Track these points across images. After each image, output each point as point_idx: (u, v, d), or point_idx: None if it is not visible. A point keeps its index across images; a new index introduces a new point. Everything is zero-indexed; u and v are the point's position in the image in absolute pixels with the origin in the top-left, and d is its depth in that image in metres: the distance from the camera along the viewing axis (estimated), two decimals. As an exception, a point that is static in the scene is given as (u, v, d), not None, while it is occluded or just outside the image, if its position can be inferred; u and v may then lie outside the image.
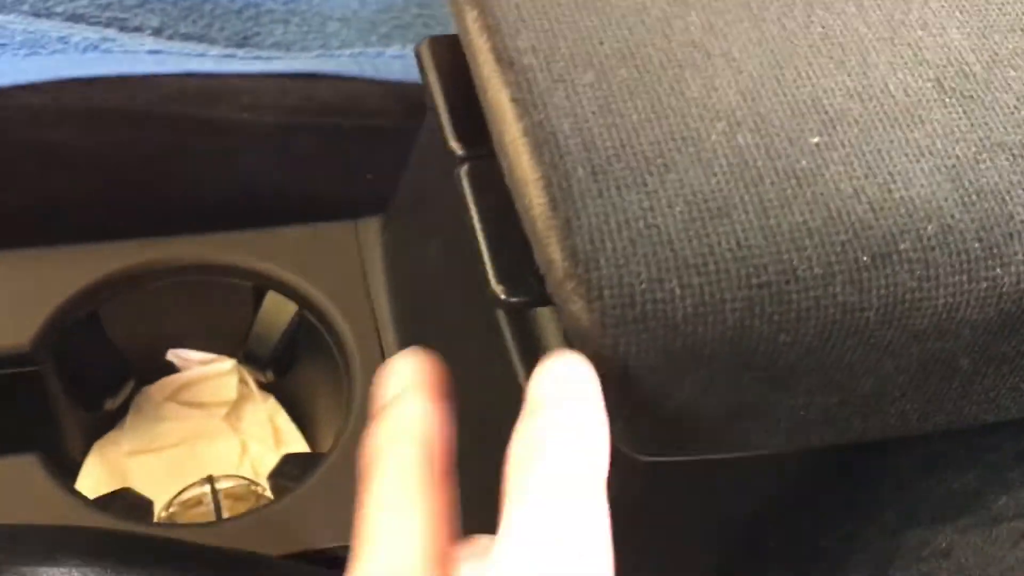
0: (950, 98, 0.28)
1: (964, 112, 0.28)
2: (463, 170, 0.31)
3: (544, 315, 0.34)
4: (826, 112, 0.27)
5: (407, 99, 0.52)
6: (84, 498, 0.40)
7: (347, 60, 0.53)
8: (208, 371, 0.51)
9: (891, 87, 0.28)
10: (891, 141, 0.27)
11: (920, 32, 0.29)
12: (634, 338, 0.24)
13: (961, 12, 0.30)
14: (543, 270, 0.25)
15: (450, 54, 0.34)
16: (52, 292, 0.43)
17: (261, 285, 0.47)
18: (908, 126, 0.27)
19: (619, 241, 0.24)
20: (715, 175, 0.25)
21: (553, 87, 0.26)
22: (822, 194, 0.26)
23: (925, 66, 0.29)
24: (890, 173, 0.26)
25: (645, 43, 0.28)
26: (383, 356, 0.45)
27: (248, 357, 0.49)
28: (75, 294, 0.43)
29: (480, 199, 0.30)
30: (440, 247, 0.42)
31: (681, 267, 0.24)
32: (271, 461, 0.51)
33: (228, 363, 0.51)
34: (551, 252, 0.24)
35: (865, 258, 0.25)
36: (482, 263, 0.29)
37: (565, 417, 0.23)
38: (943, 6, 0.30)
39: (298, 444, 0.51)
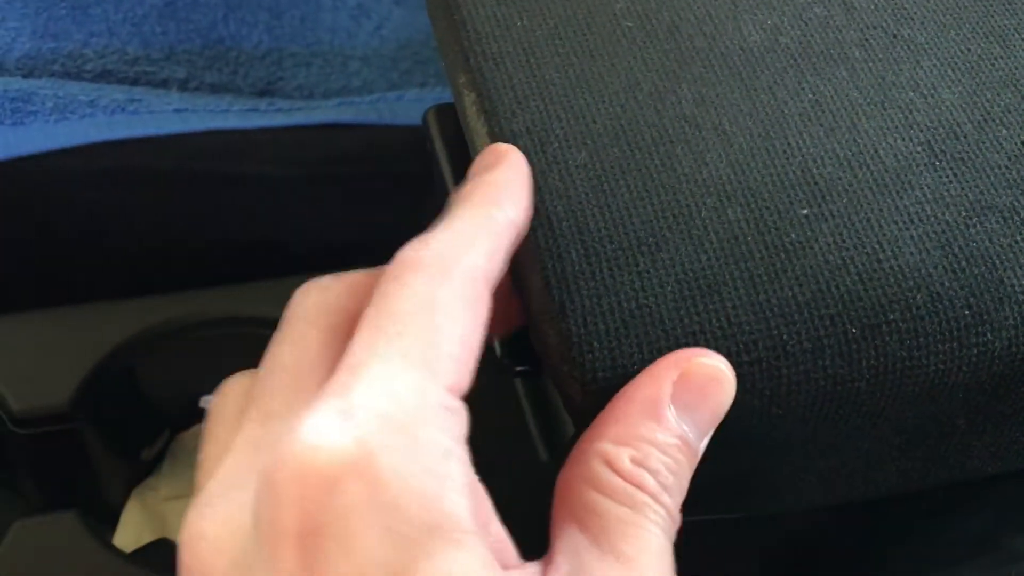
0: (940, 161, 0.28)
1: (954, 175, 0.28)
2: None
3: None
4: (816, 182, 0.28)
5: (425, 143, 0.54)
6: (122, 553, 0.41)
7: (366, 107, 0.54)
8: (240, 416, 0.52)
9: (881, 153, 0.28)
10: (880, 209, 0.27)
11: (911, 94, 0.30)
12: (628, 417, 0.25)
13: (953, 70, 0.31)
14: (539, 351, 0.26)
15: (456, 122, 0.35)
16: (87, 350, 0.45)
17: (288, 333, 0.49)
18: (898, 193, 0.28)
19: (612, 323, 0.25)
20: (706, 252, 0.26)
21: (548, 169, 0.27)
22: (811, 267, 0.26)
23: (916, 129, 0.29)
24: (879, 242, 0.27)
25: (637, 119, 0.28)
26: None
27: (278, 403, 0.51)
28: (110, 351, 0.45)
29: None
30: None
31: (672, 347, 0.25)
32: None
33: (259, 408, 0.52)
34: (546, 334, 0.25)
35: (854, 330, 0.26)
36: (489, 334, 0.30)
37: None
38: (935, 65, 0.31)
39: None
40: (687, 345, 0.25)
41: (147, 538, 0.47)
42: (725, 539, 0.32)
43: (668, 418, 0.23)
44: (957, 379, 0.26)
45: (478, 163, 0.27)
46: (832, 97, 0.29)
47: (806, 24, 0.31)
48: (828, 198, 0.27)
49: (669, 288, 0.25)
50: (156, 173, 0.48)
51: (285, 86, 0.60)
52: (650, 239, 0.26)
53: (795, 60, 0.30)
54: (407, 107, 0.56)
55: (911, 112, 0.29)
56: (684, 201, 0.27)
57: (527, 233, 0.26)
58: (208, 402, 0.53)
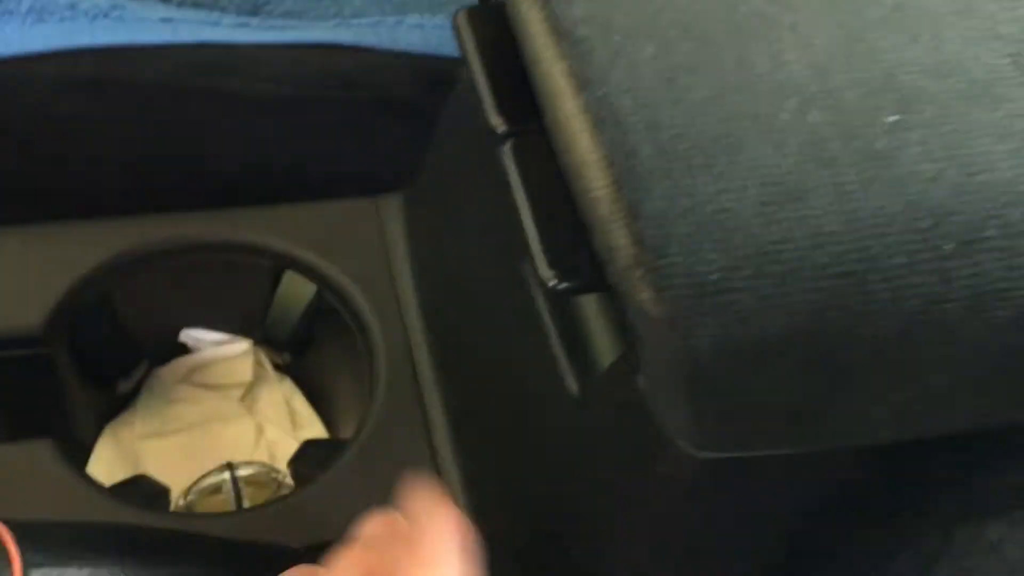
0: (1029, 75, 0.26)
1: (1045, 90, 0.26)
2: (506, 148, 0.29)
3: (587, 301, 0.33)
4: (901, 90, 0.25)
5: (427, 72, 0.50)
6: (100, 486, 0.38)
7: (365, 29, 0.51)
8: (223, 352, 0.49)
9: (967, 63, 0.26)
10: (970, 121, 0.25)
11: (992, 5, 0.28)
12: (705, 330, 0.22)
13: (1036, -16, 0.28)
14: (605, 257, 0.23)
15: (489, 25, 0.32)
16: (63, 271, 0.41)
17: (279, 264, 0.46)
18: (987, 106, 0.25)
19: (689, 226, 0.22)
20: (788, 156, 0.24)
21: (612, 61, 0.24)
22: (902, 177, 0.24)
23: (1000, 41, 0.27)
24: (971, 156, 0.24)
25: (707, 14, 0.26)
26: (406, 337, 0.44)
27: (265, 338, 0.48)
28: (87, 274, 0.42)
29: (526, 178, 0.29)
30: (472, 225, 0.40)
31: (756, 255, 0.22)
32: (288, 445, 0.49)
33: (243, 344, 0.49)
34: (615, 238, 0.23)
35: (949, 246, 0.23)
36: (530, 247, 0.27)
37: None
38: (1016, -23, 0.28)
39: (315, 428, 0.50)
40: (770, 253, 0.23)
41: (120, 475, 0.44)
42: (779, 476, 0.30)
43: None
44: (1048, 306, 0.24)
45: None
46: (913, 3, 0.27)
47: (881, -72, 0.29)
48: (915, 107, 0.25)
49: (751, 192, 0.23)
50: (139, 86, 0.44)
51: (274, 9, 0.56)
52: (728, 139, 0.24)
53: (873, -38, 0.28)
54: (408, 33, 0.52)
55: (994, 24, 0.27)
56: (762, 102, 0.24)
57: (585, 127, 0.24)
58: (189, 336, 0.50)
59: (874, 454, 0.31)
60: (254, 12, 0.54)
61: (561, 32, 0.25)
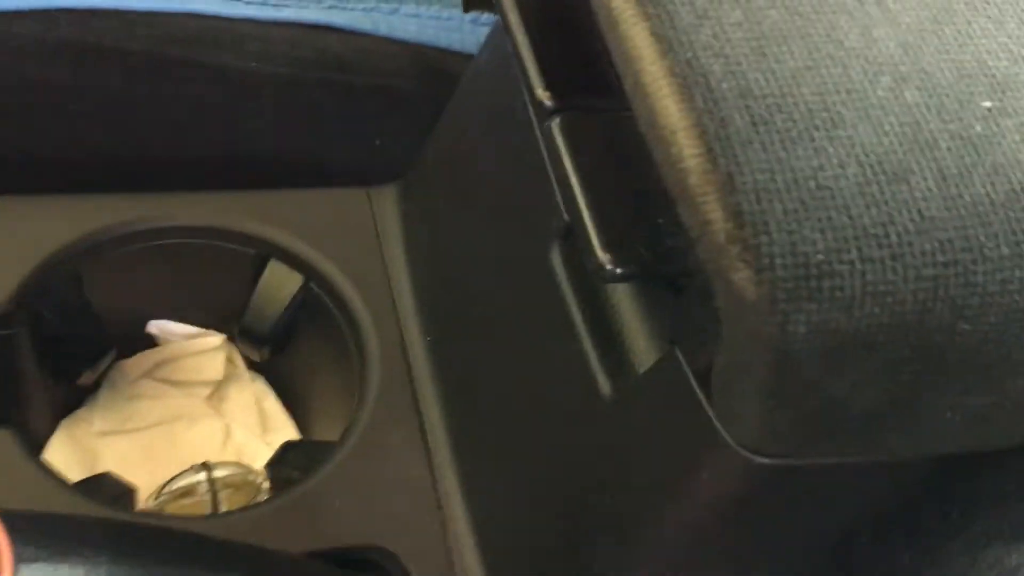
0: (1116, 70, 0.25)
1: None
2: (555, 123, 0.27)
3: (624, 294, 0.30)
4: (993, 75, 0.24)
5: (423, 62, 0.48)
6: (65, 482, 0.35)
7: (360, 15, 0.48)
8: (193, 346, 0.46)
9: (1056, 53, 0.25)
10: (1066, 112, 0.24)
11: (1075, -3, 0.26)
12: (805, 317, 0.20)
13: (1112, -19, 0.27)
14: (695, 233, 0.21)
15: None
16: (31, 248, 0.38)
17: (263, 252, 0.43)
18: (1080, 97, 0.24)
19: (789, 202, 0.21)
20: (887, 135, 0.22)
21: (698, 24, 0.23)
22: (1002, 164, 0.22)
23: (1086, 34, 0.26)
24: (1068, 147, 0.23)
25: (792, -16, 0.24)
26: (401, 334, 0.41)
27: (244, 332, 0.45)
28: (56, 252, 0.38)
29: (577, 156, 0.26)
30: (481, 217, 0.38)
31: (860, 236, 0.21)
32: (257, 448, 0.46)
33: (217, 338, 0.46)
34: (710, 211, 0.21)
35: (1054, 238, 0.22)
36: (583, 229, 0.25)
37: None
38: (1092, -27, 0.27)
39: (286, 430, 0.47)
40: (875, 236, 0.21)
41: (75, 474, 0.40)
42: (833, 488, 0.28)
43: None
44: None
45: None
46: (997, -11, 0.26)
47: (956, -88, 0.27)
48: (1009, 93, 0.24)
49: (851, 170, 0.21)
50: (122, 54, 0.41)
51: (257, -9, 0.53)
52: (824, 114, 0.22)
53: (952, -54, 0.26)
54: (403, 21, 0.50)
55: (1078, 16, 0.26)
56: (856, 77, 0.23)
57: (672, 92, 0.22)
58: (159, 328, 0.46)
59: (926, 470, 0.30)
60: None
61: (643, -11, 0.23)
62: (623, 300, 0.29)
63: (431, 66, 0.49)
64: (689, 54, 0.22)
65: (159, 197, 0.41)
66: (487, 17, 0.54)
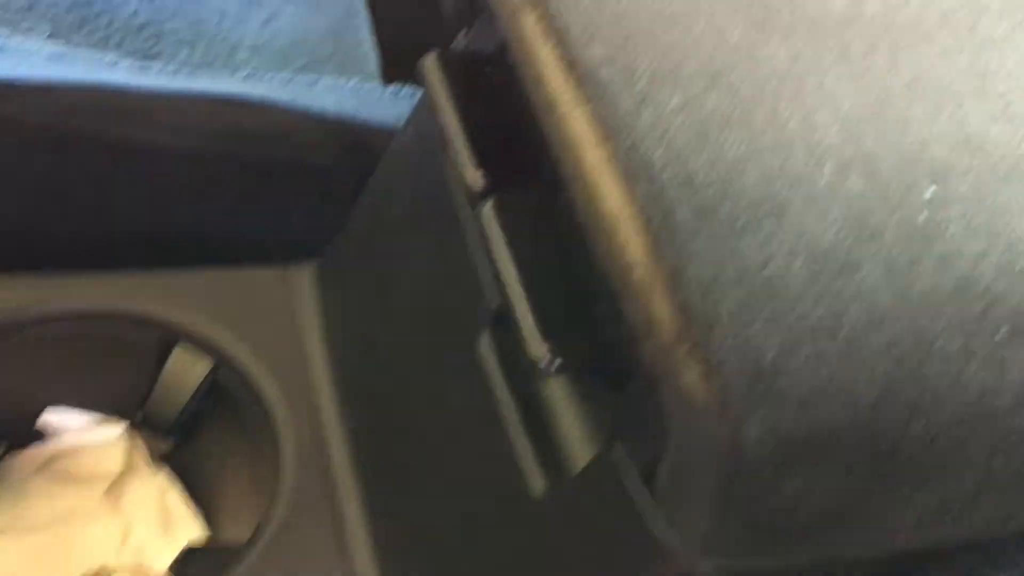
0: (1050, 158, 0.25)
1: (1068, 175, 0.25)
2: (487, 206, 0.26)
3: (554, 382, 0.29)
4: (934, 161, 0.23)
5: (342, 137, 0.47)
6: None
7: (277, 86, 0.47)
8: (91, 438, 0.43)
9: (992, 141, 0.25)
10: (1007, 200, 0.23)
11: (1005, 86, 0.26)
12: (758, 419, 0.19)
13: (1038, 68, 0.27)
14: (640, 330, 0.20)
15: (458, 70, 0.29)
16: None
17: (168, 337, 0.40)
18: (1019, 183, 0.24)
19: (738, 297, 0.19)
20: (833, 224, 0.21)
21: (638, 108, 0.22)
22: (948, 254, 0.22)
23: (1018, 121, 0.26)
24: (1011, 237, 0.23)
25: (731, 67, 0.23)
26: (318, 425, 0.38)
27: (147, 421, 0.42)
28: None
29: (511, 241, 0.25)
30: (406, 301, 0.36)
31: (813, 332, 0.20)
32: (159, 549, 0.43)
33: (117, 428, 0.43)
34: (655, 308, 0.19)
35: (1002, 332, 0.21)
36: (519, 319, 0.24)
37: None
38: (1019, 61, 0.27)
39: (192, 529, 0.44)
40: (828, 330, 0.20)
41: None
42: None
43: None
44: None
45: None
46: (929, 76, 0.26)
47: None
48: (951, 180, 0.23)
49: (800, 261, 0.20)
50: (21, 127, 0.39)
51: (172, 55, 0.52)
52: (769, 203, 0.21)
53: (884, 32, 0.26)
54: (322, 94, 0.49)
55: (1010, 104, 0.26)
56: (800, 163, 0.22)
57: (614, 180, 0.20)
58: (54, 418, 0.43)
59: (856, 568, 0.29)
60: (150, 56, 0.49)
61: (581, 73, 0.22)
62: (559, 392, 0.28)
63: (351, 140, 0.47)
64: (630, 140, 0.21)
65: (57, 279, 0.39)
66: (409, 90, 0.53)
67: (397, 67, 0.59)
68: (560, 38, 0.22)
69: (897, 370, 0.20)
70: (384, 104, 0.51)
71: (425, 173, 0.35)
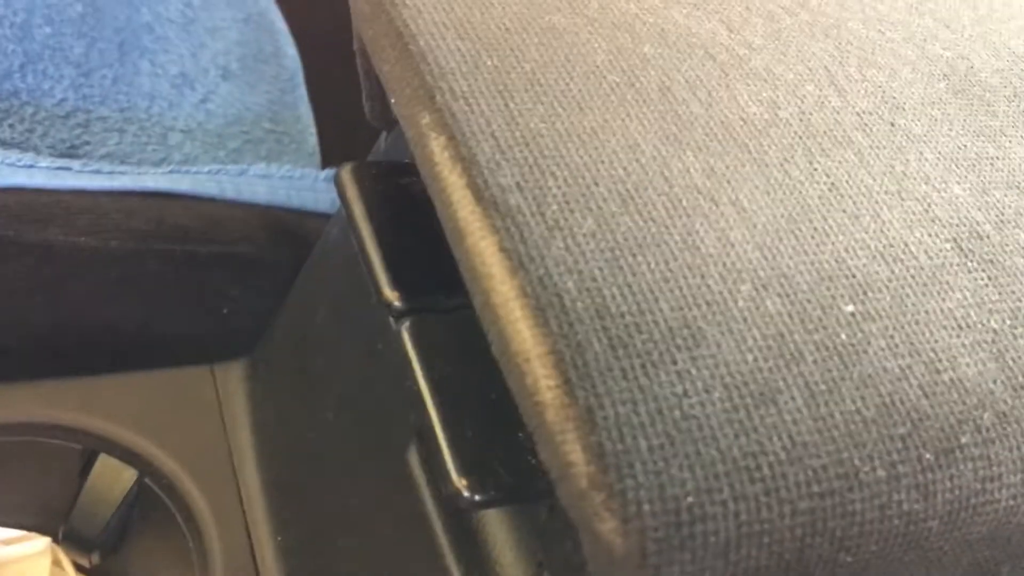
0: (971, 262, 0.25)
1: (989, 278, 0.24)
2: (404, 328, 0.25)
3: (491, 516, 0.28)
4: (853, 275, 0.23)
5: (274, 225, 0.46)
6: None
7: (204, 178, 0.46)
8: (13, 552, 0.41)
9: (912, 248, 0.24)
10: (927, 312, 0.23)
11: (925, 186, 0.26)
12: (679, 568, 0.18)
13: (956, 165, 0.27)
14: (555, 474, 0.19)
15: (375, 183, 0.28)
16: None
17: (92, 446, 0.39)
18: (939, 294, 0.24)
19: (655, 437, 0.19)
20: (751, 350, 0.21)
21: (549, 236, 0.21)
22: (870, 375, 0.21)
23: (939, 224, 0.25)
24: (933, 350, 0.22)
25: (645, 186, 0.23)
26: (248, 533, 0.37)
27: (70, 534, 0.40)
28: None
29: (428, 365, 0.24)
30: (335, 404, 0.35)
31: (731, 471, 0.19)
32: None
33: (40, 542, 0.41)
34: (568, 452, 0.19)
35: (928, 455, 0.21)
36: (437, 451, 0.23)
37: None
38: (938, 158, 0.27)
39: (123, 641, 0.42)
40: (747, 469, 0.19)
41: None
42: None
43: None
44: (1020, 519, 0.22)
45: None
46: (847, 182, 0.25)
47: (802, 101, 0.27)
48: (871, 294, 0.23)
49: (717, 394, 0.20)
50: (-68, 234, 0.37)
51: (92, 151, 0.50)
52: (685, 331, 0.20)
53: (800, 137, 0.26)
54: (252, 183, 0.48)
55: (929, 206, 0.26)
56: (715, 287, 0.21)
57: (524, 315, 0.20)
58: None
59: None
60: (71, 154, 0.48)
61: (489, 200, 0.21)
62: (487, 518, 0.27)
63: (283, 229, 0.46)
64: (541, 271, 0.20)
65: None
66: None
67: (338, 145, 0.58)
68: (468, 164, 0.22)
69: (821, 504, 0.19)
70: (317, 190, 0.50)
71: (352, 272, 0.35)
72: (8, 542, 0.41)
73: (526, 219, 0.21)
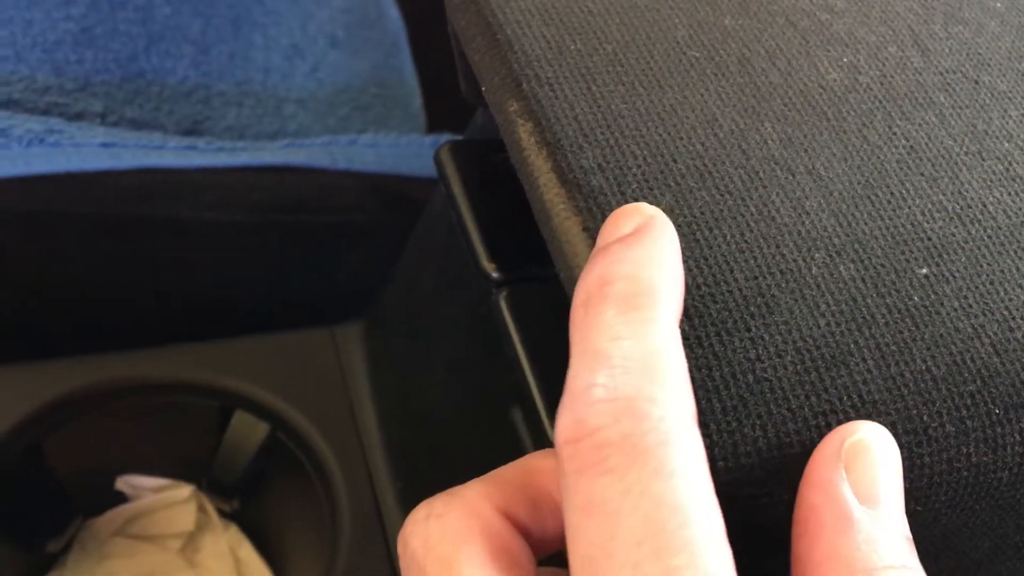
0: (1051, 219, 0.25)
1: (1070, 235, 0.25)
2: (502, 297, 0.27)
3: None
4: (929, 238, 0.24)
5: (384, 192, 0.48)
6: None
7: (318, 150, 0.49)
8: (162, 499, 0.45)
9: (990, 208, 0.25)
10: (1002, 271, 0.24)
11: (1007, 144, 0.27)
12: (750, 516, 0.20)
13: (1042, 121, 0.28)
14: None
15: (473, 161, 0.30)
16: (-12, 422, 0.38)
17: (228, 404, 0.42)
18: (1016, 252, 0.24)
19: (728, 399, 0.20)
20: (823, 315, 0.22)
21: (630, 213, 0.23)
22: (942, 335, 0.22)
23: (1019, 183, 0.26)
24: (1007, 308, 0.23)
25: (722, 159, 0.24)
26: (371, 480, 0.40)
27: (212, 483, 0.44)
28: (14, 425, 0.38)
29: (524, 332, 0.26)
30: (445, 360, 0.38)
31: (802, 429, 0.20)
32: (234, 599, 0.45)
33: (186, 489, 0.45)
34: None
35: (998, 410, 0.22)
36: (532, 403, 0.25)
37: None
38: (1023, 115, 0.28)
39: (263, 577, 0.46)
40: (816, 428, 0.21)
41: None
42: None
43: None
44: (1096, 468, 0.23)
45: (611, 233, 0.21)
46: (927, 144, 0.26)
47: (883, 64, 0.28)
48: (945, 256, 0.24)
49: (788, 358, 0.21)
50: (78, 217, 0.41)
51: (214, 126, 0.54)
52: (759, 299, 0.22)
53: (880, 102, 0.27)
54: (362, 152, 0.50)
55: (1010, 164, 0.26)
56: (790, 256, 0.23)
57: None
58: (127, 483, 0.46)
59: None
60: (192, 130, 0.52)
61: (573, 182, 0.23)
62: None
63: (392, 195, 0.49)
64: (621, 247, 0.22)
65: (118, 357, 0.41)
66: (448, 140, 0.54)
67: (441, 104, 0.60)
68: (553, 148, 0.23)
69: (889, 459, 0.21)
70: (423, 156, 0.52)
71: (454, 240, 0.37)
72: (158, 490, 0.45)
73: (607, 199, 0.23)
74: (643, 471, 0.17)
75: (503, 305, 0.27)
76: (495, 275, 0.27)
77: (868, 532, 0.18)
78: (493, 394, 0.33)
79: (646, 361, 0.18)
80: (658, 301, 0.19)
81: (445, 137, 0.54)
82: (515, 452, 0.31)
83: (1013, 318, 0.23)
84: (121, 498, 0.45)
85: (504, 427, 0.32)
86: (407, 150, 0.52)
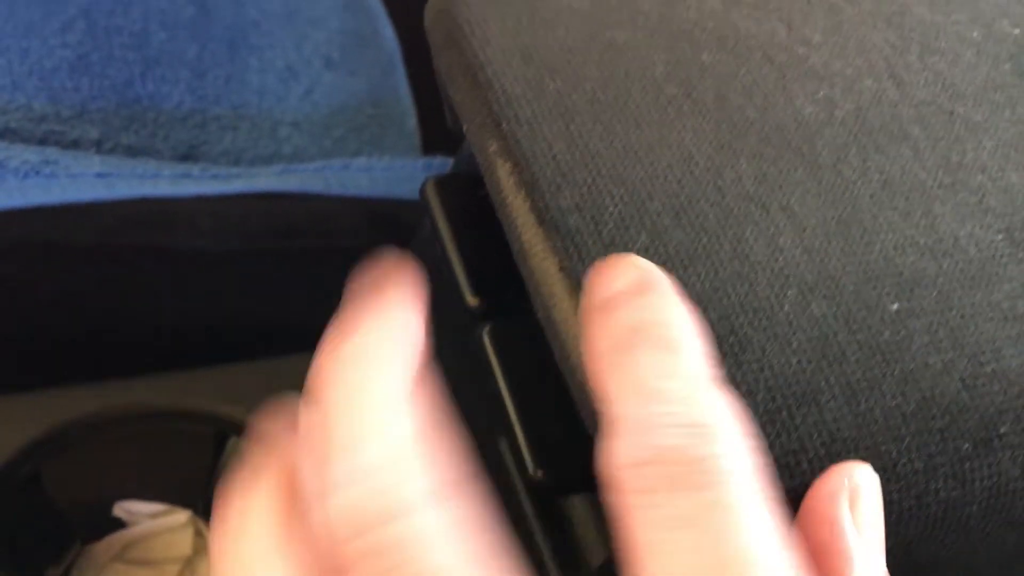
0: (1022, 252, 0.26)
1: (1040, 268, 0.25)
2: (485, 332, 0.28)
3: (575, 499, 0.31)
4: (900, 273, 0.24)
5: (377, 216, 0.49)
6: None
7: (312, 176, 0.49)
8: (160, 524, 0.46)
9: (962, 241, 0.25)
10: (972, 304, 0.24)
11: (980, 176, 0.27)
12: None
13: (1016, 151, 0.28)
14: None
15: (458, 196, 0.31)
16: (-14, 452, 0.38)
17: (222, 430, 0.43)
18: (987, 286, 0.25)
19: (700, 440, 0.21)
20: (795, 353, 0.22)
21: (606, 254, 0.23)
22: (911, 371, 0.23)
23: (992, 215, 0.26)
24: (977, 343, 0.24)
25: (697, 197, 0.25)
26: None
27: (209, 508, 0.44)
28: (14, 455, 0.38)
29: (508, 367, 0.27)
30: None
31: (773, 469, 0.21)
32: (231, 620, 0.45)
33: (183, 515, 0.46)
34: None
35: (966, 446, 0.22)
36: (516, 446, 0.26)
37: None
38: (996, 146, 0.28)
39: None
40: (785, 466, 0.21)
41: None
42: None
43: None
44: (1066, 499, 0.23)
45: (608, 286, 0.21)
46: (900, 178, 0.26)
47: (859, 97, 0.28)
48: (917, 291, 0.24)
49: (760, 396, 0.22)
50: (74, 247, 0.42)
51: (209, 150, 0.54)
52: (731, 339, 0.22)
53: (855, 136, 0.27)
54: (355, 177, 0.51)
55: (983, 196, 0.27)
56: (763, 294, 0.23)
57: (576, 337, 0.22)
58: (124, 509, 0.46)
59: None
60: (188, 156, 0.52)
61: (550, 223, 0.23)
62: (573, 499, 0.29)
63: (386, 219, 0.49)
64: (596, 288, 0.22)
65: (116, 385, 0.42)
66: (440, 162, 0.55)
67: (436, 121, 0.61)
68: (531, 188, 0.24)
69: (859, 495, 0.21)
70: (416, 179, 0.53)
71: (440, 271, 0.37)
72: (156, 515, 0.46)
73: (584, 239, 0.23)
74: (728, 488, 0.18)
75: (487, 340, 0.27)
76: (479, 310, 0.28)
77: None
78: (481, 422, 0.34)
79: (698, 394, 0.19)
80: (694, 345, 0.20)
81: (438, 160, 0.55)
82: (501, 478, 0.32)
83: (983, 352, 0.23)
84: (119, 524, 0.45)
85: (492, 454, 0.32)
86: (401, 173, 0.53)
